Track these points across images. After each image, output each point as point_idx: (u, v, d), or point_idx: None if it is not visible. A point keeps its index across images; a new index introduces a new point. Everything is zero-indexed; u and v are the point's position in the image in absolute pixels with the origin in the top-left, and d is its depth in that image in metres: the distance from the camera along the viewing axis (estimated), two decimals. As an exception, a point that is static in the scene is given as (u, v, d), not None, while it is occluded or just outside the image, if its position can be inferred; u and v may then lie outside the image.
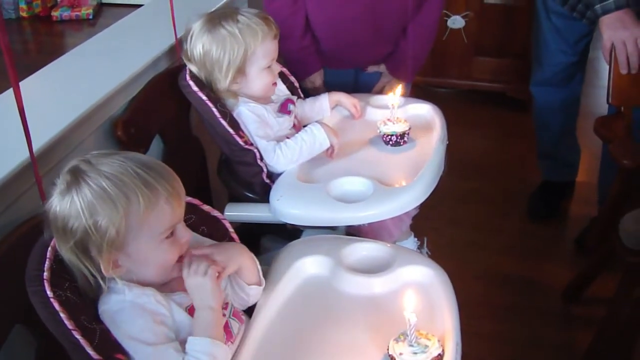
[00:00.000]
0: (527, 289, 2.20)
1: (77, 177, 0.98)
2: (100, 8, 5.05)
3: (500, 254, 2.35)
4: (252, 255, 1.16)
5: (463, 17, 3.15)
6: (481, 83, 3.33)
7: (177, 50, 1.80)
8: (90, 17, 4.87)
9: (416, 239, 1.82)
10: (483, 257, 2.34)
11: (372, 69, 2.01)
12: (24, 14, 4.92)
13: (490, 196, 2.68)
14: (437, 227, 2.42)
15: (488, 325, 2.02)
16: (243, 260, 1.13)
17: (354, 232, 1.58)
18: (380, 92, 1.97)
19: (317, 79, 1.94)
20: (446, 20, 3.15)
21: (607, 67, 1.90)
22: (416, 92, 2.01)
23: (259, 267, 1.18)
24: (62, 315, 0.95)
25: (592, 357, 1.85)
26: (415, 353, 0.99)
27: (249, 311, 1.18)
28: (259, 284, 1.16)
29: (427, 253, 1.87)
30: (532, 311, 2.10)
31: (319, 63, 1.93)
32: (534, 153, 2.64)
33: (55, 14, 4.88)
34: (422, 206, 1.56)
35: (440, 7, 1.95)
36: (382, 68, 2.00)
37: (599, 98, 2.86)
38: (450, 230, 2.46)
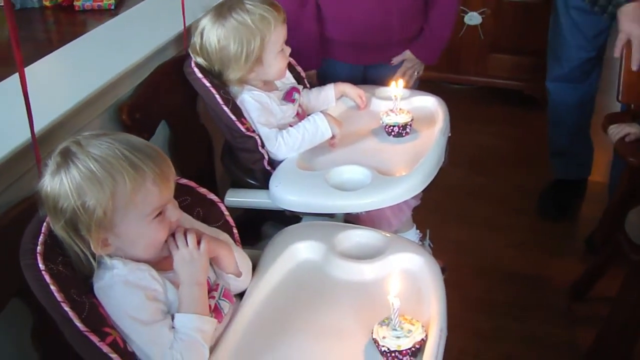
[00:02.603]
0: (534, 286, 2.18)
1: (66, 158, 1.01)
2: (122, -2, 5.10)
3: (508, 251, 2.34)
4: (231, 247, 1.17)
5: (480, 13, 3.13)
6: (497, 80, 3.31)
7: (184, 38, 1.82)
8: (112, 7, 4.91)
9: (418, 230, 1.82)
10: (490, 253, 2.32)
11: (397, 59, 2.00)
12: (46, 3, 4.98)
13: (501, 193, 2.66)
14: (446, 221, 2.41)
15: (490, 322, 2.01)
16: (220, 249, 1.14)
17: (352, 220, 1.58)
18: (402, 76, 1.97)
19: (313, 77, 1.95)
20: (463, 17, 3.14)
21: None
22: (431, 87, 1.99)
23: (239, 260, 1.17)
24: (52, 287, 0.97)
25: (594, 355, 1.84)
26: (398, 337, 1.00)
27: (240, 295, 1.19)
28: (237, 275, 1.17)
29: (429, 245, 1.86)
30: (537, 309, 2.09)
31: (320, 60, 1.94)
32: (548, 152, 2.61)
33: (77, 3, 4.93)
34: (431, 200, 1.55)
35: None
36: (406, 54, 1.99)
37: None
38: (459, 226, 2.45)
